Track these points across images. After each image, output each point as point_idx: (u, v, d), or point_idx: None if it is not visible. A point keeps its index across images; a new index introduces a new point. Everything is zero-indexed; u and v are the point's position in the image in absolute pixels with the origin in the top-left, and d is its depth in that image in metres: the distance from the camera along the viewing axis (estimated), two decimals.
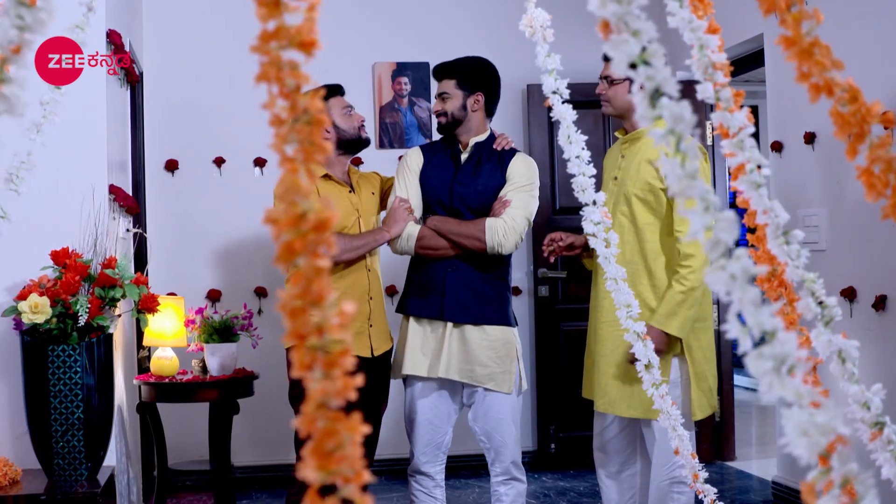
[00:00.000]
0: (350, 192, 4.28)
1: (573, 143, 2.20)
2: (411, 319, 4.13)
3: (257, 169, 6.35)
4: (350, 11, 6.51)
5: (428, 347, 4.08)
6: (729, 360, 6.49)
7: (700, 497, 2.74)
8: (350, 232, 4.18)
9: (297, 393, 4.17)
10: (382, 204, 4.43)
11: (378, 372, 4.23)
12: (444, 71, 4.24)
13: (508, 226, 4.03)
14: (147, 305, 3.92)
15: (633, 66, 1.03)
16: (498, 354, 4.06)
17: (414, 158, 4.24)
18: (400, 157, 4.38)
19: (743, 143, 1.36)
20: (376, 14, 6.58)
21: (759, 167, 1.39)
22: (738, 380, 8.38)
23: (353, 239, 4.11)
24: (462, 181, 4.13)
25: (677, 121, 1.00)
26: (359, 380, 0.83)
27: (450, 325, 4.06)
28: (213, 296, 6.16)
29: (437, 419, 4.13)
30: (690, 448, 2.54)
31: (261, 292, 6.24)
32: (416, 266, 4.21)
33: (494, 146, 4.19)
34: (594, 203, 2.25)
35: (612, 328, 4.00)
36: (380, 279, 4.34)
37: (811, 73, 1.10)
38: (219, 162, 6.33)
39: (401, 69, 6.58)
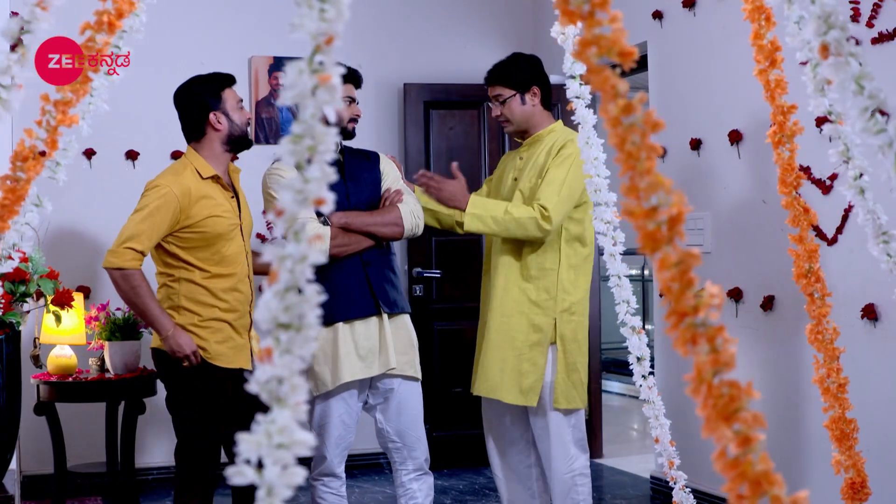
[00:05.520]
0: (232, 196, 3.95)
1: (592, 146, 2.27)
2: (339, 326, 3.91)
3: (129, 162, 6.15)
4: (227, 3, 6.39)
5: (363, 348, 3.94)
6: (598, 360, 6.70)
7: (671, 484, 2.87)
8: (231, 242, 3.89)
9: (181, 398, 3.83)
10: None
11: None
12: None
13: (418, 209, 4.12)
14: (62, 300, 3.76)
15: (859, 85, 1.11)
16: (410, 339, 4.10)
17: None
18: (271, 169, 4.08)
19: (851, 153, 1.48)
20: (253, 7, 6.48)
21: (861, 174, 1.52)
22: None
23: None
24: (353, 190, 4.07)
25: None
26: None
27: (385, 317, 3.99)
28: (84, 292, 5.92)
29: (349, 418, 4.04)
30: (669, 436, 2.66)
31: None
32: (327, 270, 3.87)
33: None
34: (606, 204, 2.33)
35: (499, 315, 4.10)
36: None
37: None
38: (89, 154, 6.08)
39: (278, 64, 6.50)
